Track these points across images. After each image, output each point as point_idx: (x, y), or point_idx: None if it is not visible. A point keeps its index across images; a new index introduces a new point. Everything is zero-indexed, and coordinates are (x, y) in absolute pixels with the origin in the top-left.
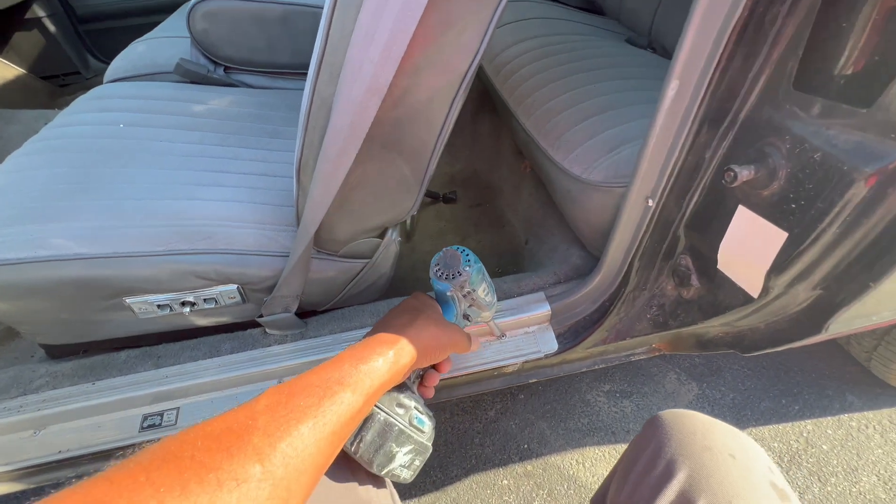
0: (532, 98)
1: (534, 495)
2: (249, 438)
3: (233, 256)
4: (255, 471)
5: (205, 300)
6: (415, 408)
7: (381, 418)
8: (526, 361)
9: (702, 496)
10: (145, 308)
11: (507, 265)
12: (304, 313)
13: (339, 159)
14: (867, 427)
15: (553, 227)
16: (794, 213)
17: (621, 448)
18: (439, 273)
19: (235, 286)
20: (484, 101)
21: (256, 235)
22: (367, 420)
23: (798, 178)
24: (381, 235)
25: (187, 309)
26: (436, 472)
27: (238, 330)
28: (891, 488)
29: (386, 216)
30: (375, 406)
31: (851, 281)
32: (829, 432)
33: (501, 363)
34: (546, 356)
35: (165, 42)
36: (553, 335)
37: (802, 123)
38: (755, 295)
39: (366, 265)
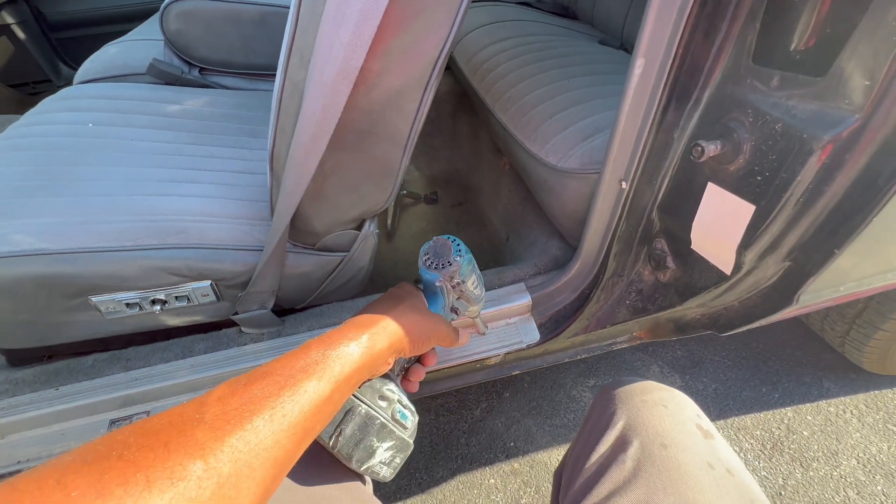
0: (508, 94)
1: (521, 493)
2: (192, 433)
3: (206, 251)
4: (195, 468)
5: (176, 298)
6: (398, 401)
7: (363, 411)
8: (508, 353)
9: (637, 437)
10: (113, 307)
11: (488, 262)
12: (282, 311)
13: (312, 146)
14: (845, 412)
15: (532, 221)
16: (760, 185)
17: None
18: (428, 262)
19: (209, 282)
20: (462, 103)
21: (230, 230)
22: (347, 413)
23: (762, 151)
24: (359, 227)
25: (158, 307)
26: (421, 474)
27: (212, 330)
28: (870, 470)
29: (362, 207)
30: (357, 398)
31: (817, 249)
32: (809, 418)
33: (484, 355)
34: (528, 346)
35: (139, 45)
36: (534, 325)
37: (763, 96)
38: (728, 272)
39: (343, 258)
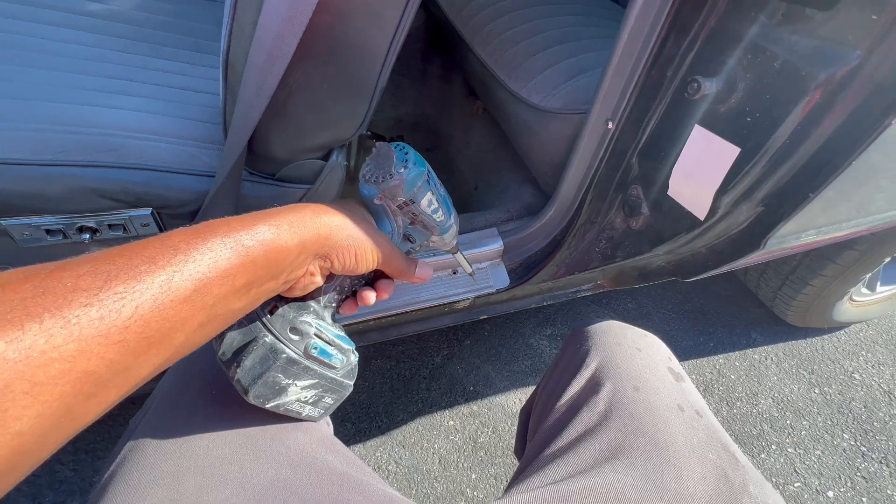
0: (489, 27)
1: (479, 433)
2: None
3: (146, 173)
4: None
5: (110, 226)
6: (315, 335)
7: (268, 341)
8: (478, 297)
9: (609, 379)
10: (29, 233)
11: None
12: None
13: (277, 49)
14: (766, 359)
15: (504, 169)
16: (749, 126)
17: None
18: (367, 175)
19: (150, 210)
20: (433, 41)
21: (176, 151)
22: (250, 342)
23: (756, 90)
24: (325, 158)
25: (87, 236)
26: (381, 418)
27: None
28: (783, 408)
29: (330, 133)
30: (264, 326)
31: (792, 194)
32: (737, 364)
33: (454, 298)
34: (498, 291)
35: None
36: (505, 270)
37: (766, 30)
38: (702, 217)
39: (307, 192)
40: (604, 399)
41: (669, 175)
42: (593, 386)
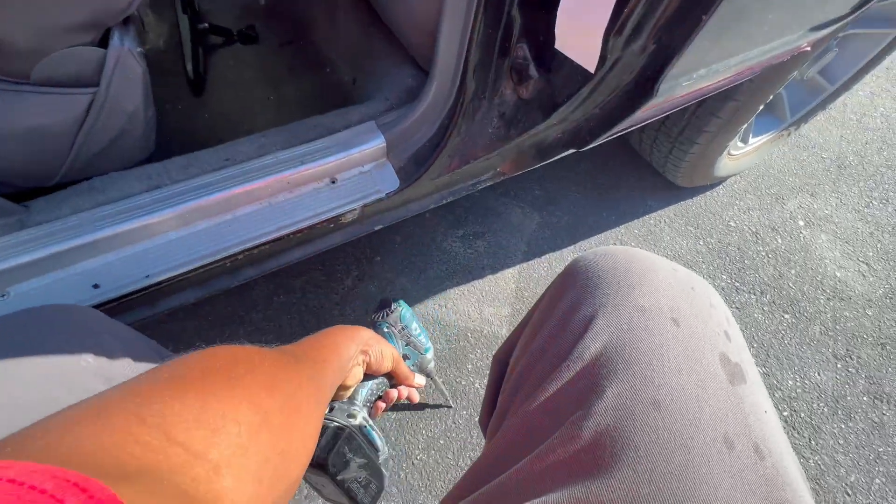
0: None
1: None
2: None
3: None
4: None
5: None
6: (363, 418)
7: (332, 426)
8: (366, 205)
9: (615, 380)
10: None
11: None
12: (24, 193)
13: None
14: (661, 222)
15: (380, 52)
16: None
17: (480, 284)
18: (378, 315)
19: None
20: None
21: None
22: (321, 431)
23: None
24: (104, 43)
25: None
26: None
27: None
28: (674, 260)
29: (90, 3)
30: (327, 419)
31: (683, 21)
32: (636, 231)
33: (337, 211)
34: (388, 195)
35: None
36: (392, 170)
37: None
38: (593, 69)
39: (93, 97)
40: (596, 418)
41: (554, 23)
42: (585, 390)
